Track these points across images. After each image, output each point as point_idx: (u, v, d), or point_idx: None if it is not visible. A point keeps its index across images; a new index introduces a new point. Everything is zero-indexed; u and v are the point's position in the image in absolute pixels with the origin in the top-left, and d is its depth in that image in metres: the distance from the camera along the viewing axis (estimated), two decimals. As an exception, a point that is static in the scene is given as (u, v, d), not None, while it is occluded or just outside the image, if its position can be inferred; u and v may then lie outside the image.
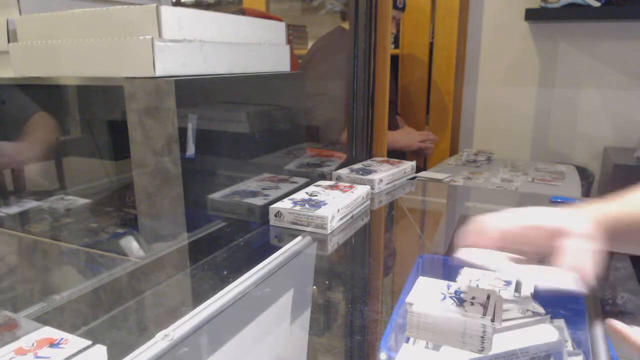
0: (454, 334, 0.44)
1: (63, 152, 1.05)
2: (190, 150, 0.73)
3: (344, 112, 1.37)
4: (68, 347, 0.39)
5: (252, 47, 0.89)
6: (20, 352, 0.38)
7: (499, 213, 0.51)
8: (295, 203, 0.81)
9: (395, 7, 1.68)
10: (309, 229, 0.78)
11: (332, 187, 0.91)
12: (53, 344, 0.39)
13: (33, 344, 0.39)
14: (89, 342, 0.40)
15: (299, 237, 0.74)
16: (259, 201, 0.85)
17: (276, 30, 0.98)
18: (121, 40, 0.69)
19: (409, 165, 1.14)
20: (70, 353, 0.38)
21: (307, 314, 0.60)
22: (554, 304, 0.61)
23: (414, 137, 1.78)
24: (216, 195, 0.86)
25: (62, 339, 0.40)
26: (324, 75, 1.55)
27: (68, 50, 0.74)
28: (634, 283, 0.77)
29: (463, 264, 0.51)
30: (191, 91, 0.73)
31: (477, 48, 2.09)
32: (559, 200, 0.98)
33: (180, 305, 0.58)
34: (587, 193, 1.73)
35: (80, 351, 0.38)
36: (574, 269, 0.46)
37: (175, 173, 0.71)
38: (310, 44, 2.33)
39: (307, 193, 0.87)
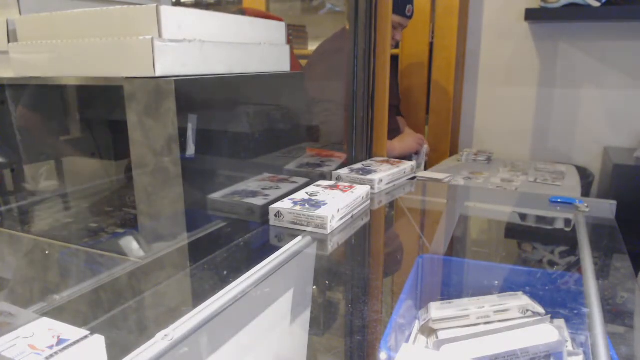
0: None
1: (63, 152, 1.05)
2: (190, 150, 0.73)
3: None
4: (66, 337, 0.39)
5: (252, 47, 0.89)
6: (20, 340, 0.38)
7: None
8: (295, 203, 0.81)
9: (404, 15, 1.67)
10: (309, 229, 0.78)
11: (332, 187, 0.91)
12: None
13: (33, 334, 0.39)
14: (87, 332, 0.40)
15: (299, 237, 0.74)
16: (259, 201, 0.85)
17: (276, 30, 0.98)
18: (121, 40, 0.69)
19: (408, 165, 1.14)
20: (68, 342, 0.38)
21: (307, 314, 0.60)
22: (554, 304, 0.61)
23: (409, 143, 1.76)
24: (216, 195, 0.86)
25: (60, 329, 0.40)
26: (332, 78, 1.53)
27: (68, 50, 0.74)
28: (634, 283, 0.77)
29: None
30: (191, 91, 0.73)
31: (477, 48, 2.09)
32: (558, 200, 0.98)
33: (180, 305, 0.57)
34: (586, 193, 1.73)
35: (79, 340, 0.39)
36: None
37: (175, 173, 0.71)
38: (310, 44, 2.33)
39: (307, 193, 0.87)
